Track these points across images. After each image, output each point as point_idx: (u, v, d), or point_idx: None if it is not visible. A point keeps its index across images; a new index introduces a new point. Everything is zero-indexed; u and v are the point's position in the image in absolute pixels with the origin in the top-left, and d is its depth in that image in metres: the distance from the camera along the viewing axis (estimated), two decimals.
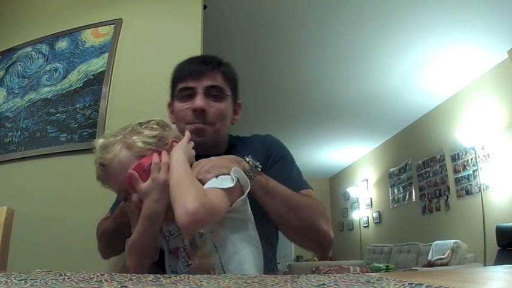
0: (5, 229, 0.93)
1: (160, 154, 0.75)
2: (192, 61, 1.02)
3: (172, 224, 0.74)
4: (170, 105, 1.06)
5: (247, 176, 0.76)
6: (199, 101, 0.93)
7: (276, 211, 0.84)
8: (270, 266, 0.88)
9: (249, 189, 0.73)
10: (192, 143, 0.82)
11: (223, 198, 0.68)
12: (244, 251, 0.72)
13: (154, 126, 0.80)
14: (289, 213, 0.84)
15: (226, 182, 0.71)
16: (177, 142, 0.80)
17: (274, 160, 0.97)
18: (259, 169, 0.84)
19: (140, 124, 0.81)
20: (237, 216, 0.73)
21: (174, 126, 0.84)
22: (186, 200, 0.63)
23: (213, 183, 0.71)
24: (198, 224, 0.64)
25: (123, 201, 0.78)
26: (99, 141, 0.78)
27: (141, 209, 0.71)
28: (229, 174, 0.73)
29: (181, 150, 0.76)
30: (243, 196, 0.73)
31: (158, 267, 0.93)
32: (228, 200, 0.69)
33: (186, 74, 0.98)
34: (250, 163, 0.83)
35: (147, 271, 0.76)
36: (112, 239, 0.93)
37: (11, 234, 0.97)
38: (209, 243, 0.70)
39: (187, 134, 0.83)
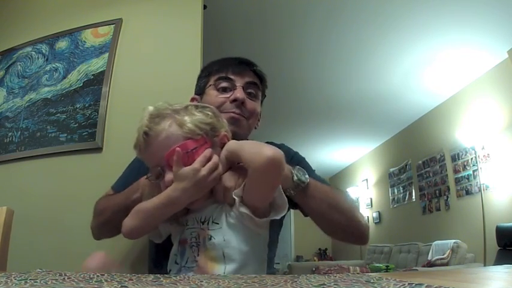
0: (5, 229, 0.93)
1: (209, 145, 0.73)
2: (232, 59, 1.04)
3: (191, 217, 0.73)
4: (194, 99, 1.05)
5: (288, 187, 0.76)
6: (240, 93, 0.96)
7: (317, 209, 0.84)
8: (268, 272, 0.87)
9: (284, 213, 0.71)
10: None
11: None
12: (250, 268, 0.69)
13: (209, 113, 0.77)
14: (331, 210, 0.83)
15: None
16: (228, 138, 0.77)
17: (293, 163, 0.97)
18: (305, 183, 0.80)
19: (196, 107, 0.78)
20: (258, 231, 0.72)
21: (225, 120, 0.82)
22: (263, 149, 0.66)
23: None
24: (275, 166, 0.66)
25: (151, 177, 0.74)
26: (150, 109, 0.74)
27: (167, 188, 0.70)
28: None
29: None
30: (277, 217, 0.70)
31: (156, 268, 0.93)
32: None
33: (228, 67, 1.00)
34: (295, 178, 0.79)
35: (143, 235, 0.77)
36: (117, 215, 0.79)
37: (11, 234, 0.97)
38: (218, 250, 0.69)
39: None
